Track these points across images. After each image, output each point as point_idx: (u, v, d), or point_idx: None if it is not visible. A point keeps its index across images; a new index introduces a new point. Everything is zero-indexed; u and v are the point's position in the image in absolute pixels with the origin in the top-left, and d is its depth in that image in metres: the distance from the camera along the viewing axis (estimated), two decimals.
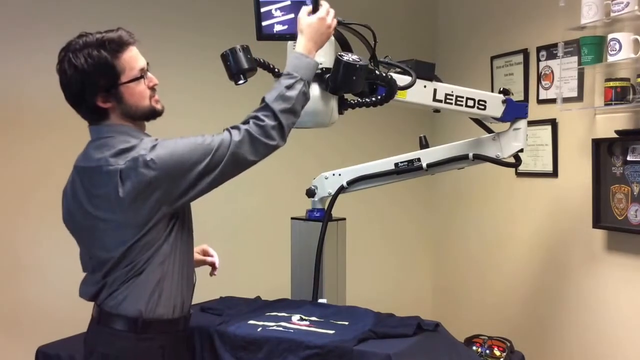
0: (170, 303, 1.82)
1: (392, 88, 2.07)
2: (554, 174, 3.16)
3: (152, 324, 1.79)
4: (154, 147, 1.74)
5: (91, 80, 1.74)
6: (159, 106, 1.87)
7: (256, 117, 1.80)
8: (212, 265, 2.19)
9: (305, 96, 1.87)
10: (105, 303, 1.79)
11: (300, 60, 1.89)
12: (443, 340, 2.13)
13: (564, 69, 3.01)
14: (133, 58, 1.79)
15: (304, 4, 1.96)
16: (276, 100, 1.81)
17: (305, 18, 1.93)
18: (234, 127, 1.81)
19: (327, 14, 1.94)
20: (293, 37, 2.00)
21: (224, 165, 1.77)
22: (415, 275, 4.14)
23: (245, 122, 1.81)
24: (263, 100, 1.84)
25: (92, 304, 1.87)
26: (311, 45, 1.91)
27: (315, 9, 1.94)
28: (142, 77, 1.80)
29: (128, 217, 1.73)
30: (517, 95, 3.30)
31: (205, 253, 2.19)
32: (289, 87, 1.83)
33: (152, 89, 1.85)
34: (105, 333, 1.80)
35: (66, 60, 1.74)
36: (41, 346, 2.27)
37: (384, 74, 2.06)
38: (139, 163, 1.70)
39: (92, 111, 1.79)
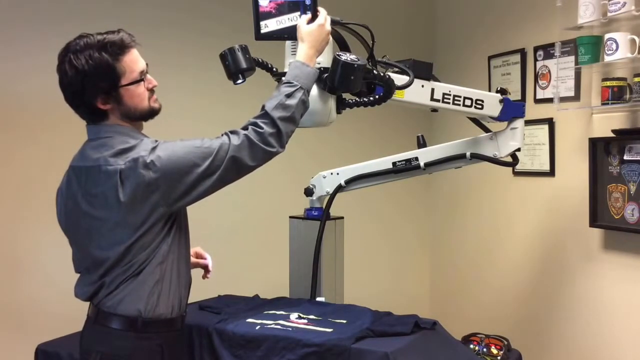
0: (169, 303, 1.83)
1: (390, 88, 2.08)
2: (551, 173, 3.17)
3: (151, 324, 1.80)
4: (154, 148, 1.75)
5: (91, 82, 1.74)
6: (156, 105, 1.88)
7: (255, 124, 1.81)
8: (205, 267, 2.20)
9: (304, 104, 1.88)
10: (103, 303, 1.80)
11: (300, 69, 1.90)
12: (440, 339, 2.14)
13: (561, 69, 3.01)
14: (133, 61, 1.79)
15: (302, 3, 1.97)
16: (276, 108, 1.82)
17: (305, 26, 1.93)
18: (232, 132, 1.81)
19: (325, 21, 1.95)
20: (291, 37, 2.01)
21: (223, 169, 1.77)
22: (413, 273, 4.15)
23: (244, 127, 1.82)
24: (263, 107, 1.84)
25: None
26: (312, 53, 1.93)
27: (314, 16, 1.95)
28: (141, 79, 1.81)
29: (125, 217, 1.73)
30: (514, 95, 3.31)
31: (199, 255, 2.20)
32: (288, 96, 1.84)
33: (151, 90, 1.86)
34: (103, 333, 1.80)
35: (67, 60, 1.75)
36: (41, 344, 2.27)
37: (382, 74, 2.06)
38: (139, 164, 1.71)
39: (91, 112, 1.80)
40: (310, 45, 1.92)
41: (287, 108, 1.83)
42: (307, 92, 1.89)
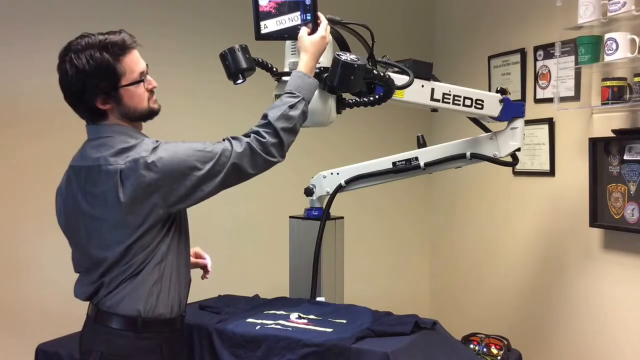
0: (169, 303, 1.83)
1: (389, 87, 2.08)
2: (551, 173, 3.17)
3: (151, 324, 1.80)
4: (155, 149, 1.75)
5: (92, 81, 1.74)
6: (156, 106, 1.88)
7: (258, 133, 1.82)
8: (205, 267, 2.20)
9: (304, 115, 1.90)
10: (103, 302, 1.80)
11: (302, 79, 1.91)
12: (440, 339, 2.14)
13: (561, 69, 3.01)
14: (134, 62, 1.79)
15: (302, 3, 1.97)
16: (279, 119, 1.83)
17: (307, 37, 1.94)
18: (234, 138, 1.82)
19: (326, 31, 1.97)
20: (291, 37, 2.01)
21: (224, 175, 1.78)
22: (413, 273, 4.15)
23: (247, 135, 1.83)
24: (265, 117, 1.85)
25: None
26: (312, 64, 1.94)
27: (315, 26, 1.95)
28: (141, 80, 1.81)
29: (124, 217, 1.73)
30: (514, 95, 3.31)
31: (198, 256, 2.20)
32: (292, 107, 1.85)
33: (151, 91, 1.86)
34: (103, 332, 1.80)
35: (68, 60, 1.75)
36: (41, 344, 2.28)
37: (381, 74, 2.06)
38: (140, 164, 1.71)
39: (90, 111, 1.80)
40: (312, 57, 1.93)
41: (290, 119, 1.84)
42: (307, 103, 1.91)
